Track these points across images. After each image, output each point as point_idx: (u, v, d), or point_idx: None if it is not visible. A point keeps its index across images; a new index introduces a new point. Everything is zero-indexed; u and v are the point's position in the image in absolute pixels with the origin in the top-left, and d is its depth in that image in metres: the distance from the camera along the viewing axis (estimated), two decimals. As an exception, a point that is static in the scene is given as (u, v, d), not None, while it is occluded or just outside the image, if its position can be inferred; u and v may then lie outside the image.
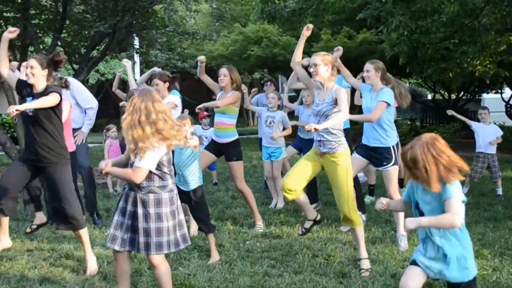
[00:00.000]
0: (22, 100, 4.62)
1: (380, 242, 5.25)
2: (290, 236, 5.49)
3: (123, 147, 7.66)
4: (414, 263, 3.04)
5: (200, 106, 5.84)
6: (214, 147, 5.85)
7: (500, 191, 7.70)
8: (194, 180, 4.78)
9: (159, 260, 3.53)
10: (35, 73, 4.45)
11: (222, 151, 5.81)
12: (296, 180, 4.59)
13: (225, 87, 5.75)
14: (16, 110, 4.15)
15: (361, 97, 6.54)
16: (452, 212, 2.78)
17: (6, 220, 4.80)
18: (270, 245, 5.17)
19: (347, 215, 4.49)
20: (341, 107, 4.38)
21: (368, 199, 7.24)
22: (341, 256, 4.84)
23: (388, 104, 5.08)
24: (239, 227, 5.84)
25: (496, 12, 9.17)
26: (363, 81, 6.55)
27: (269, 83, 7.96)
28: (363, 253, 4.58)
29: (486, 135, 7.66)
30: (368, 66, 5.29)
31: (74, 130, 5.95)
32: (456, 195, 2.79)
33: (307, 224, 4.85)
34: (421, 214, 3.00)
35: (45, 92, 4.44)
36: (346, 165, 4.49)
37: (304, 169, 4.64)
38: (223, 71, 5.75)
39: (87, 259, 4.49)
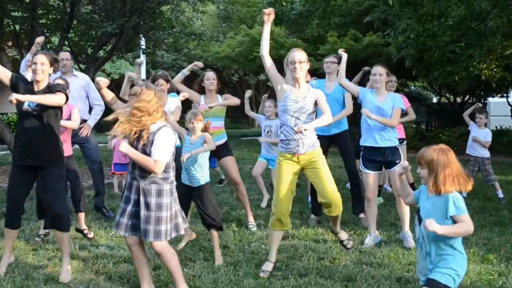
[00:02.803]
0: None
1: (386, 246, 5.23)
2: (295, 238, 5.48)
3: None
4: None
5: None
6: None
7: (500, 193, 7.63)
8: (202, 176, 4.81)
9: (161, 247, 3.72)
10: (45, 70, 4.26)
11: (214, 152, 5.72)
12: (289, 208, 4.54)
13: (213, 91, 5.85)
14: (16, 99, 3.90)
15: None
16: (467, 222, 2.94)
17: (15, 234, 4.52)
18: (275, 247, 5.16)
19: (339, 201, 4.52)
20: (325, 110, 4.49)
21: (376, 200, 7.20)
22: (346, 259, 4.83)
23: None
24: (244, 229, 5.84)
25: (503, 16, 9.15)
26: (361, 85, 6.50)
27: None
28: (339, 228, 4.84)
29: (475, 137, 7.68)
30: (381, 70, 5.28)
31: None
32: (464, 208, 2.96)
33: (269, 267, 4.51)
34: (419, 220, 3.11)
35: (49, 90, 4.23)
36: (323, 156, 4.62)
37: (291, 190, 4.50)
38: (212, 75, 5.86)
39: (64, 264, 4.31)
